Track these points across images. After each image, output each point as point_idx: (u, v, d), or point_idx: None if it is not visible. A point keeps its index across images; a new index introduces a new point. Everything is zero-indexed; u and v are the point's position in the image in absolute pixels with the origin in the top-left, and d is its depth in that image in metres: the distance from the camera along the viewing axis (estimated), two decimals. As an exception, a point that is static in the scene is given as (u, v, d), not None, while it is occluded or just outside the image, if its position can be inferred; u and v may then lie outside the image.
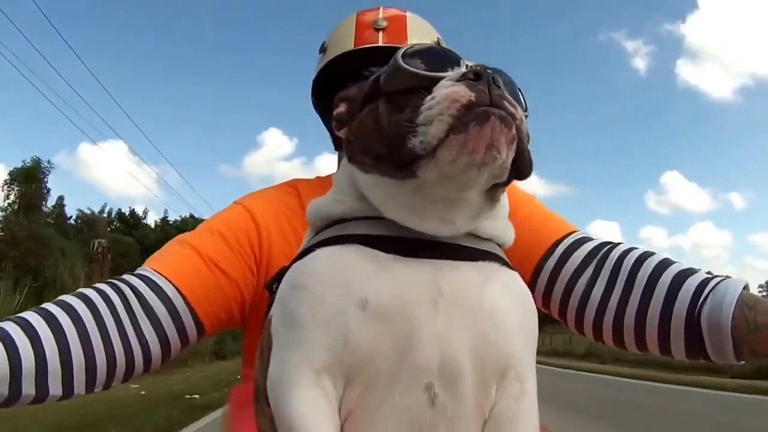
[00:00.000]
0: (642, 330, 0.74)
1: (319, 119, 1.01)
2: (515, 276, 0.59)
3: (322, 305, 0.51)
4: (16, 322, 0.66)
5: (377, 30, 0.92)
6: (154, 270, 0.78)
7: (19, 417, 4.93)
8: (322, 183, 0.96)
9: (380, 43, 0.91)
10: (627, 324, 0.75)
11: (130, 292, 0.74)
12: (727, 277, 0.72)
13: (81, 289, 0.74)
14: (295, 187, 0.95)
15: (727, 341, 0.67)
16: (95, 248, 14.22)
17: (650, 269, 0.75)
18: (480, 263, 0.55)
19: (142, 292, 0.75)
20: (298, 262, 0.57)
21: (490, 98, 0.49)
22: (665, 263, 0.75)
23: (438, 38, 0.96)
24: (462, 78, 0.51)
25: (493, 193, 0.56)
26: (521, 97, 0.56)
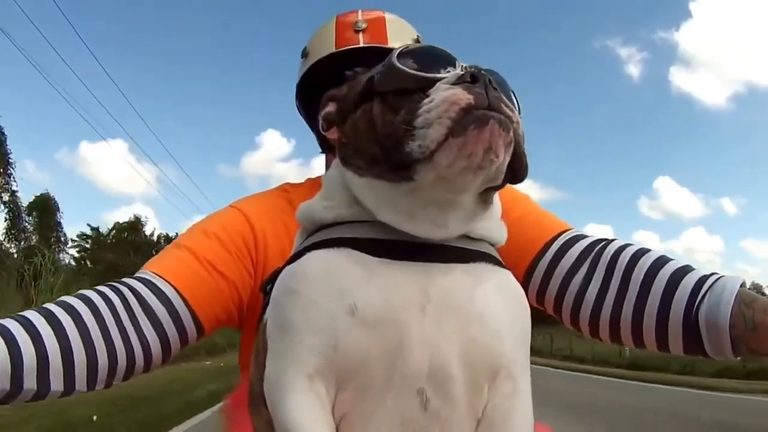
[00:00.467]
0: (639, 327, 0.74)
1: (311, 124, 1.02)
2: (508, 276, 0.59)
3: (313, 310, 0.52)
4: (16, 320, 0.67)
5: (357, 31, 0.93)
6: (154, 273, 0.79)
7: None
8: (312, 185, 0.97)
9: (361, 44, 0.92)
10: (624, 321, 0.75)
11: (130, 293, 0.75)
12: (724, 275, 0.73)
13: (81, 291, 0.75)
14: (286, 190, 0.96)
15: (725, 339, 0.68)
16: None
17: (647, 266, 0.75)
18: (472, 265, 0.55)
19: (142, 294, 0.76)
20: (290, 266, 0.57)
21: (488, 101, 0.49)
22: (662, 260, 0.75)
23: (417, 37, 0.98)
24: (459, 80, 0.51)
25: (486, 195, 0.56)
26: (514, 98, 0.57)
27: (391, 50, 0.56)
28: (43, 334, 0.66)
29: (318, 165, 1.05)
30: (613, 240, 0.82)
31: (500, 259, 0.59)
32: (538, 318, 0.78)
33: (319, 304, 0.52)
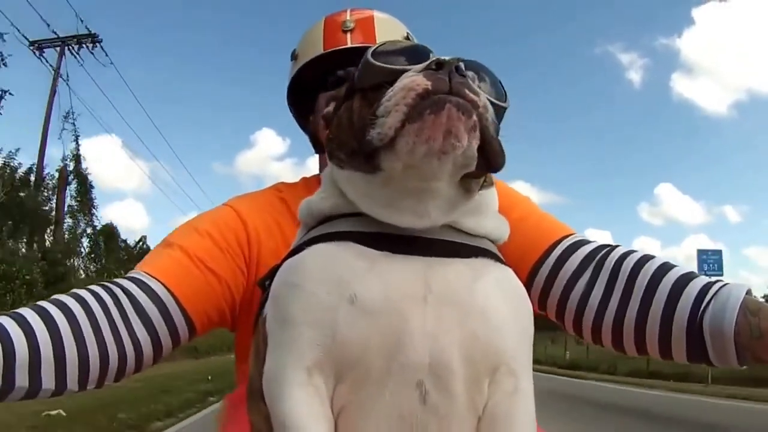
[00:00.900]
0: (642, 334, 0.73)
1: (303, 125, 1.03)
2: (508, 272, 0.59)
3: (313, 302, 0.52)
4: (10, 316, 0.67)
5: (345, 32, 0.93)
6: (144, 272, 0.78)
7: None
8: (306, 183, 0.98)
9: (349, 45, 0.92)
10: (627, 327, 0.74)
11: (122, 293, 0.75)
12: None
13: (74, 290, 0.75)
14: (280, 189, 0.97)
15: (730, 347, 0.67)
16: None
17: (650, 273, 0.74)
18: (472, 260, 0.55)
19: (133, 293, 0.75)
20: (289, 260, 0.57)
21: (450, 86, 0.49)
22: (666, 267, 0.74)
23: (407, 33, 0.97)
24: (425, 69, 0.51)
25: (467, 184, 0.55)
26: (501, 88, 0.57)
27: None
28: (37, 331, 0.66)
29: (313, 164, 1.06)
30: (616, 246, 0.81)
31: (501, 256, 0.59)
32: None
33: (319, 296, 0.52)
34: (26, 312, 0.68)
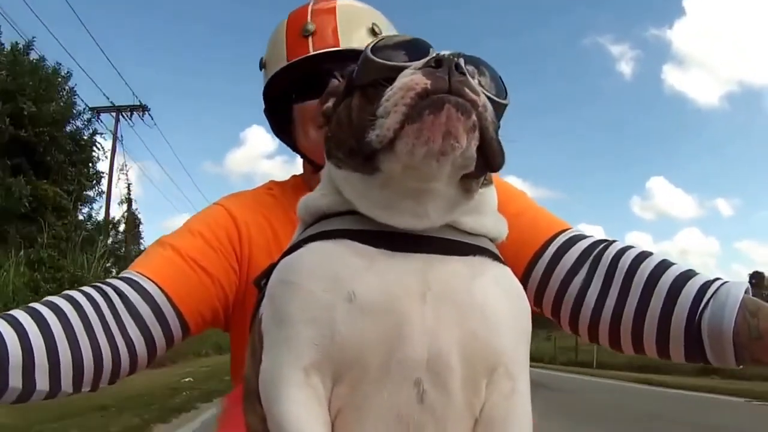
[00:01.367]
0: (640, 333, 0.73)
1: (281, 135, 1.00)
2: (506, 270, 0.58)
3: (310, 301, 0.51)
4: (3, 318, 0.66)
5: (306, 37, 0.90)
6: (137, 272, 0.78)
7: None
8: (296, 182, 0.97)
9: (311, 52, 0.89)
10: (624, 326, 0.74)
11: (114, 293, 0.74)
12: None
13: (66, 292, 0.74)
14: (270, 188, 0.96)
15: (729, 348, 0.67)
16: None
17: (649, 270, 0.73)
18: (471, 258, 0.55)
19: (126, 293, 0.75)
20: (286, 258, 0.57)
21: (450, 85, 0.49)
22: (664, 264, 0.74)
23: (372, 25, 0.92)
24: (424, 66, 0.50)
25: (466, 184, 0.54)
26: (501, 84, 0.56)
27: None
28: (30, 332, 0.66)
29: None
30: (613, 241, 0.80)
31: (500, 255, 0.59)
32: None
33: (316, 294, 0.51)
34: (18, 314, 0.67)
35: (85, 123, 14.06)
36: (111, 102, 15.39)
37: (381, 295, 0.50)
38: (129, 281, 0.76)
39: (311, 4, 0.93)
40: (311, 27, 0.90)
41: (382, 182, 0.53)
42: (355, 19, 0.92)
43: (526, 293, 0.61)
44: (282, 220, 0.88)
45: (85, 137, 14.03)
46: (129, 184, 16.79)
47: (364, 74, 0.55)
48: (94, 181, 14.65)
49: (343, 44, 0.88)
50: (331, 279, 0.51)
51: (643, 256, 0.76)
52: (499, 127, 0.54)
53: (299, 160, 0.98)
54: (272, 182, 0.99)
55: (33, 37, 12.14)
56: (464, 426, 0.53)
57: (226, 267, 0.84)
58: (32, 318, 0.67)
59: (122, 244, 17.41)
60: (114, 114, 15.96)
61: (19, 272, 9.32)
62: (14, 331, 0.65)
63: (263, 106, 0.98)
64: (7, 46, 11.85)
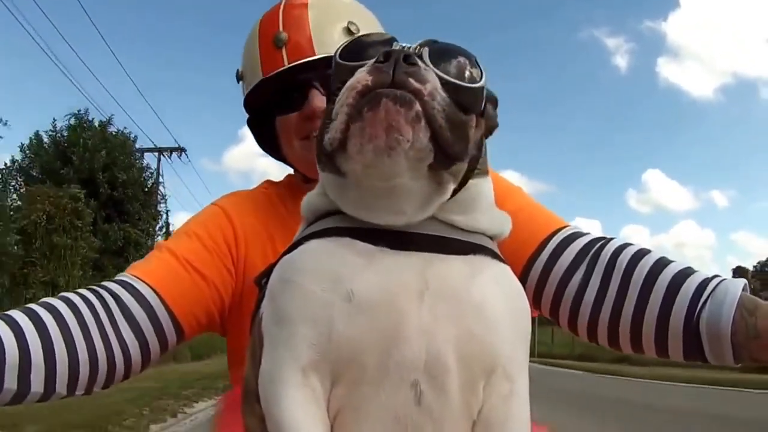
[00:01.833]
0: (638, 331, 0.73)
1: (267, 148, 0.99)
2: (506, 269, 0.58)
3: (309, 299, 0.51)
4: (0, 318, 0.66)
5: (279, 48, 0.85)
6: (132, 275, 0.78)
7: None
8: (291, 181, 0.96)
9: (285, 65, 0.85)
10: (623, 325, 0.73)
11: (109, 295, 0.74)
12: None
13: (63, 293, 0.74)
14: (266, 187, 0.95)
15: (727, 347, 0.66)
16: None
17: (647, 268, 0.73)
18: (470, 256, 0.55)
19: (120, 295, 0.74)
20: (287, 256, 0.57)
21: (393, 78, 0.48)
22: (663, 262, 0.73)
23: (349, 23, 0.87)
24: (375, 62, 0.50)
25: (437, 177, 0.52)
26: (473, 67, 0.53)
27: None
28: (26, 332, 0.65)
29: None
30: (611, 239, 0.79)
31: (499, 252, 0.58)
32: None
33: (315, 293, 0.51)
34: (15, 314, 0.67)
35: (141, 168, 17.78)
36: (154, 144, 18.66)
37: (379, 293, 0.50)
38: (123, 283, 0.76)
39: (281, 9, 0.89)
40: (283, 36, 0.85)
41: (354, 182, 0.52)
42: (329, 19, 0.87)
43: (525, 292, 0.61)
44: (277, 220, 0.87)
45: (149, 185, 18.01)
46: (167, 211, 18.91)
47: (336, 78, 0.54)
48: (156, 219, 18.66)
49: (318, 50, 0.84)
50: (330, 278, 0.51)
51: (642, 253, 0.75)
52: (468, 110, 0.52)
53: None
54: (268, 181, 0.98)
55: (112, 114, 16.66)
56: (462, 428, 0.52)
57: (221, 269, 0.83)
58: (29, 318, 0.67)
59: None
60: (156, 154, 18.84)
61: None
62: (10, 329, 0.65)
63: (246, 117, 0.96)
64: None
